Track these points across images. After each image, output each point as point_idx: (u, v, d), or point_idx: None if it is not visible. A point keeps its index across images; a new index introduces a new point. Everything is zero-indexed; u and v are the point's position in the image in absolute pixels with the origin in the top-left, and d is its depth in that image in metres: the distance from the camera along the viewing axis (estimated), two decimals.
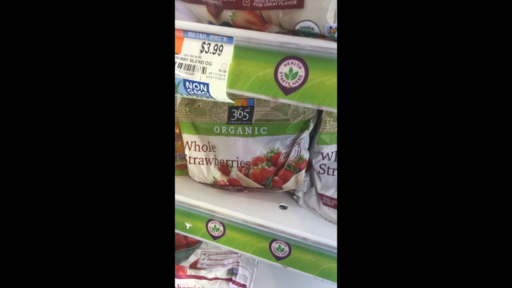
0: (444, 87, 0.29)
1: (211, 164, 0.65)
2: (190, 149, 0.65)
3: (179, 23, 0.42)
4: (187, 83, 0.42)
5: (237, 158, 0.63)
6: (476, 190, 0.28)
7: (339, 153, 0.31)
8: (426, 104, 0.29)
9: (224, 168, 0.64)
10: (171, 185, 0.33)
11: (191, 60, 0.42)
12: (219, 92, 0.41)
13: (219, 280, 0.73)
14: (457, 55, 0.28)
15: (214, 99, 0.43)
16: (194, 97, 0.45)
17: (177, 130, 0.71)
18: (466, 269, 0.28)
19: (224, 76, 0.40)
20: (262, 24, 0.42)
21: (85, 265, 0.31)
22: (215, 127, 0.63)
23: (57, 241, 0.30)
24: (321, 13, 0.37)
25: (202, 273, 0.74)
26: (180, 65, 0.42)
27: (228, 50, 0.40)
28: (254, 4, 0.39)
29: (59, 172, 0.30)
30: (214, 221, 0.60)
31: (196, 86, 0.42)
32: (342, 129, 0.31)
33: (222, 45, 0.41)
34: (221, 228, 0.60)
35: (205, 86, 0.41)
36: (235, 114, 0.62)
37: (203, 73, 0.41)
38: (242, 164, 0.63)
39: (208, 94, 0.42)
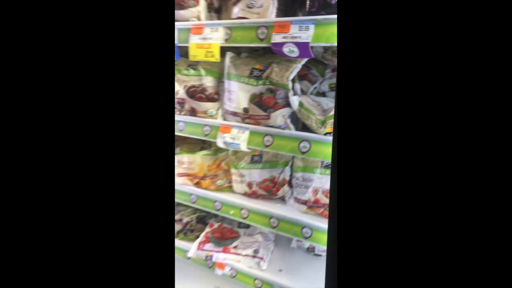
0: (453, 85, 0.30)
1: None
2: None
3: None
4: None
5: None
6: (463, 188, 0.29)
7: (339, 153, 0.32)
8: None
9: None
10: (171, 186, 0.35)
11: None
12: None
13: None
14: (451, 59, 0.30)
15: None
16: None
17: None
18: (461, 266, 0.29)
19: None
20: None
21: (85, 265, 0.32)
22: None
23: (66, 244, 0.30)
24: None
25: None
26: None
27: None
28: None
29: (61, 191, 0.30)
30: None
31: None
32: (342, 130, 0.32)
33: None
34: None
35: None
36: None
37: None
38: None
39: None
